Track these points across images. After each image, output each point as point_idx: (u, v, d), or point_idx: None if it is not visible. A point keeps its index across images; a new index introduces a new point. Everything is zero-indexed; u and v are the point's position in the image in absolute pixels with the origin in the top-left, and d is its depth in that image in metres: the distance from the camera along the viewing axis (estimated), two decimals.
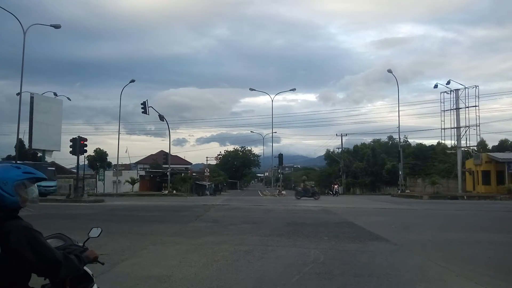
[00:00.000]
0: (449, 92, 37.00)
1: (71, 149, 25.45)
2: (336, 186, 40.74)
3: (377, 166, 51.22)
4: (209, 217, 14.24)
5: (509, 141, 49.65)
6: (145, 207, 20.00)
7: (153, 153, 70.94)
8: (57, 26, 28.98)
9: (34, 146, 34.13)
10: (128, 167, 55.47)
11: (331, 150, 62.75)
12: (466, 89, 36.09)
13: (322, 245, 8.13)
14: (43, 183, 30.88)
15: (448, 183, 40.45)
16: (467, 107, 35.90)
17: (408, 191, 37.50)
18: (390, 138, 58.54)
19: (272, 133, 49.30)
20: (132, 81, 40.31)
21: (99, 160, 49.33)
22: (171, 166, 42.51)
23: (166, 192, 37.77)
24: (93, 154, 48.23)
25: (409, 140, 57.55)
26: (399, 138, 43.65)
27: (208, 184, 48.45)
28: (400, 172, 36.87)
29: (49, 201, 23.31)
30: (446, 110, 37.09)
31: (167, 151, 43.29)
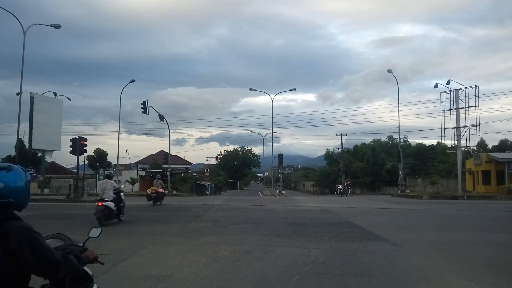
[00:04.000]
0: (449, 92, 37.00)
1: (71, 149, 25.47)
2: (340, 186, 38.90)
3: (377, 166, 51.24)
4: (209, 217, 14.24)
5: (509, 141, 49.76)
6: (145, 207, 20.00)
7: (153, 153, 70.90)
8: (57, 26, 28.99)
9: (34, 146, 34.16)
10: (128, 167, 55.42)
11: (331, 150, 62.87)
12: (466, 89, 36.10)
13: (322, 245, 8.13)
14: None
15: (448, 183, 40.39)
16: (467, 107, 35.91)
17: (408, 191, 37.43)
18: (390, 138, 58.71)
19: (272, 133, 49.31)
20: (132, 81, 40.22)
21: (99, 160, 49.24)
22: (171, 166, 42.46)
23: (166, 192, 37.69)
24: (93, 154, 48.17)
25: (409, 140, 57.78)
26: (399, 138, 43.72)
27: (208, 184, 48.42)
28: (400, 172, 36.83)
29: (49, 201, 23.31)
30: (446, 110, 37.11)
31: (167, 151, 43.25)
